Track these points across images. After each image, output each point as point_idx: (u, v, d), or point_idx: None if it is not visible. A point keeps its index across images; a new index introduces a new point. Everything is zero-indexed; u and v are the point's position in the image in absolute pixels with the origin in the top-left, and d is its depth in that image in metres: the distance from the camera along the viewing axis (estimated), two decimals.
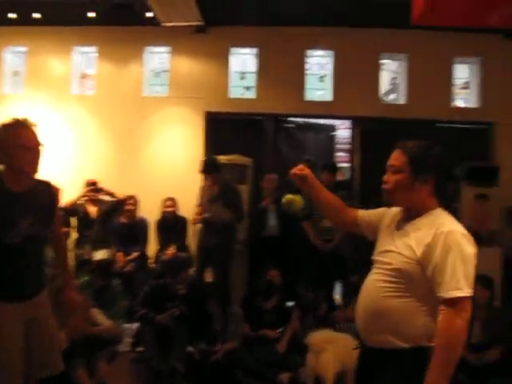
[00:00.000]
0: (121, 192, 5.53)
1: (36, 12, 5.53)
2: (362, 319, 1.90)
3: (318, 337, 3.73)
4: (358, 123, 6.14)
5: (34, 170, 2.25)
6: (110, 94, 6.02)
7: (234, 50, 6.08)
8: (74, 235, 5.55)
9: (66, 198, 5.38)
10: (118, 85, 6.03)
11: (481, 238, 5.44)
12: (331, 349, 3.61)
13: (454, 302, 1.68)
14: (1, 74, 6.24)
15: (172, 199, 5.67)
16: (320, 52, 6.13)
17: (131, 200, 5.54)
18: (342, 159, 7.10)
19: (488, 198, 5.65)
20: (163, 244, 5.49)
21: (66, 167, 5.89)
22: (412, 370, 1.73)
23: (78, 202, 5.48)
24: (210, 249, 4.89)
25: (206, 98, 5.95)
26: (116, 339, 4.23)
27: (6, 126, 2.21)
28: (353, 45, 5.92)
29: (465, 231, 1.76)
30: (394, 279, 1.81)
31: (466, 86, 6.18)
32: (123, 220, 5.57)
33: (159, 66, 6.16)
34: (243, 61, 6.21)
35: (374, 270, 1.92)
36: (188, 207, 5.69)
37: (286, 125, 6.36)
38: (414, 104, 5.94)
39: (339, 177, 8.15)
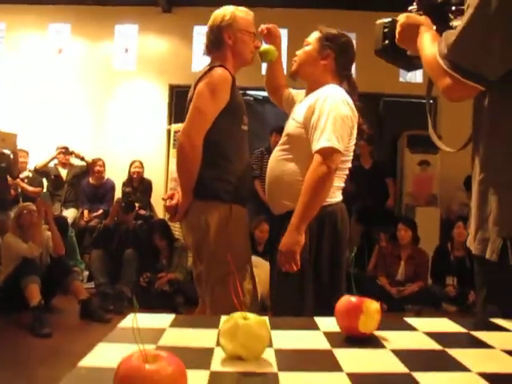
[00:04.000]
0: (91, 155, 6.03)
1: None
2: (267, 188, 2.02)
3: None
4: None
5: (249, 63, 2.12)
6: (83, 67, 6.50)
7: (196, 28, 6.57)
8: None
9: (39, 159, 5.90)
10: (91, 58, 6.52)
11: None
12: (257, 272, 4.02)
13: (321, 152, 1.77)
14: None
15: (139, 162, 6.12)
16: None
17: (99, 162, 6.02)
18: None
19: (429, 164, 6.14)
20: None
21: (43, 131, 6.31)
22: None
23: (49, 165, 5.97)
24: None
25: (170, 72, 6.44)
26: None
27: (242, 10, 2.05)
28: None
29: (347, 98, 1.87)
30: (286, 146, 1.93)
31: None
32: (92, 181, 6.03)
33: (129, 43, 6.65)
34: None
35: None
36: (152, 171, 6.21)
37: (244, 98, 6.82)
38: (363, 78, 6.40)
39: None
